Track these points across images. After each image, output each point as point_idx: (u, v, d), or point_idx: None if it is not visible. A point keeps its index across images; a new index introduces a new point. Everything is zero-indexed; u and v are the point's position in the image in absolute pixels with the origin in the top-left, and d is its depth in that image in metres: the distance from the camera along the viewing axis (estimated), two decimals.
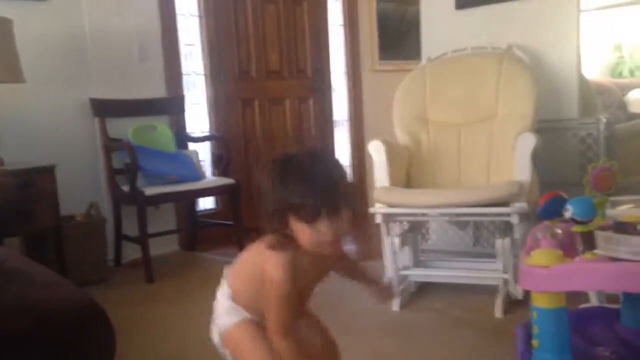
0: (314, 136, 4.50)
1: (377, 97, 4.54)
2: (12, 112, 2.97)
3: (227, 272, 1.43)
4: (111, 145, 3.26)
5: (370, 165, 2.64)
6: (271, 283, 1.25)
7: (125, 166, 3.07)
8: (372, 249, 3.20)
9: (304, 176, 1.18)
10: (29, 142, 3.03)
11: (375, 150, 2.54)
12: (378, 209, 2.39)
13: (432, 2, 3.21)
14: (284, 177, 1.19)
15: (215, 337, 1.43)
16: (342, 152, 4.80)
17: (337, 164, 1.26)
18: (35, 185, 2.70)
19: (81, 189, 3.22)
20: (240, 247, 3.33)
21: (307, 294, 1.43)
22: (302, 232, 1.20)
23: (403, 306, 2.43)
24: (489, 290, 2.42)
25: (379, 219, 2.42)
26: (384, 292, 1.56)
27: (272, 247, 1.24)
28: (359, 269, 1.58)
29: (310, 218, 1.17)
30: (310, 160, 1.21)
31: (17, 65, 2.75)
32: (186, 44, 3.89)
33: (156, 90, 3.58)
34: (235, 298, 1.38)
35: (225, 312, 1.39)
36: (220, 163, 3.60)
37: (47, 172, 2.76)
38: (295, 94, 4.41)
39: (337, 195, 1.18)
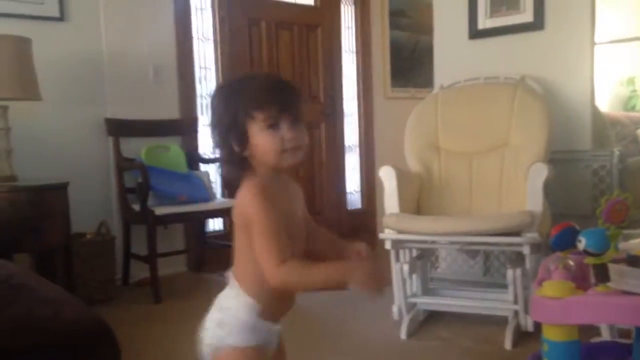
0: (324, 161, 4.51)
1: (389, 123, 4.55)
2: (27, 129, 3.00)
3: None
4: (124, 165, 3.28)
5: (381, 192, 2.63)
6: (251, 217, 1.12)
7: (137, 185, 3.09)
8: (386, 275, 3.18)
9: (244, 88, 1.15)
10: (42, 159, 3.06)
11: (386, 176, 2.54)
12: (387, 235, 2.38)
13: (446, 31, 3.24)
14: (227, 96, 1.16)
15: (205, 347, 1.21)
16: (353, 178, 4.81)
17: (276, 77, 1.23)
18: (46, 202, 2.71)
19: (92, 207, 3.24)
20: None
21: (297, 236, 1.19)
22: (257, 146, 1.13)
23: (410, 334, 2.40)
24: (499, 321, 2.39)
25: (388, 245, 2.40)
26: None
27: (231, 179, 1.17)
28: (329, 237, 1.31)
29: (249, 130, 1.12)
30: (248, 76, 1.20)
31: (34, 83, 2.79)
32: (201, 67, 3.94)
33: (170, 111, 3.62)
34: (241, 285, 1.19)
35: (233, 327, 1.18)
36: (231, 185, 3.61)
37: (59, 190, 2.78)
38: (308, 119, 4.41)
39: (271, 100, 1.12)
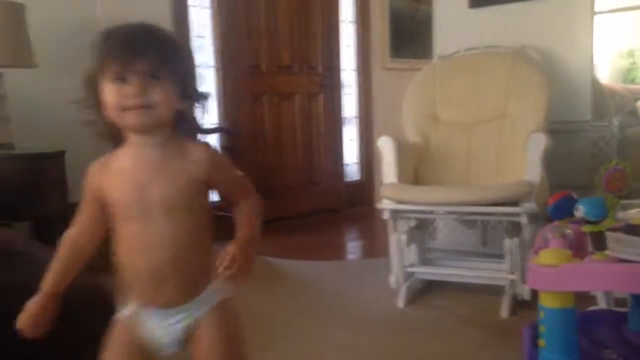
0: (322, 132, 4.50)
1: (388, 94, 4.53)
2: (23, 97, 2.97)
3: None
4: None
5: (379, 163, 2.63)
6: None
7: None
8: (379, 246, 3.19)
9: (103, 38, 1.03)
10: (39, 127, 3.04)
11: (384, 146, 2.53)
12: (385, 205, 2.38)
13: (446, 0, 3.20)
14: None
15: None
16: (351, 149, 4.80)
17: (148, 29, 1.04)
18: (44, 170, 2.70)
19: None
20: None
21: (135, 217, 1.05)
22: (105, 103, 1.01)
23: (408, 303, 2.42)
24: (496, 291, 2.41)
25: (386, 215, 2.40)
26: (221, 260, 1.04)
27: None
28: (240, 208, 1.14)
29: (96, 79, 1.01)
30: (118, 25, 1.04)
31: (29, 50, 2.75)
32: (197, 36, 3.89)
33: None
34: None
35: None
36: (229, 156, 3.59)
37: (56, 158, 2.76)
38: (305, 90, 4.40)
39: (119, 50, 0.99)
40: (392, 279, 2.47)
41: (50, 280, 1.11)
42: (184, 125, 1.07)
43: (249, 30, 4.06)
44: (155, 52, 0.99)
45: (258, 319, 2.30)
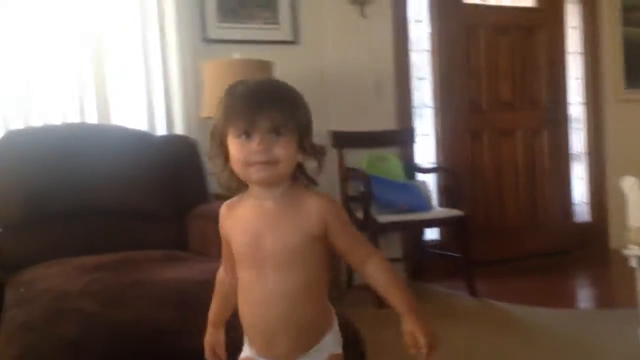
0: (547, 169, 4.27)
1: (622, 128, 4.16)
2: None
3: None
4: (348, 174, 3.46)
5: (614, 204, 2.42)
6: None
7: (360, 194, 3.23)
8: (617, 294, 2.91)
9: (226, 95, 1.06)
10: None
11: (631, 187, 2.31)
12: (634, 252, 2.17)
13: None
14: (218, 103, 1.08)
15: None
16: (579, 188, 4.47)
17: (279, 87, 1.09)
18: None
19: None
20: (468, 279, 3.28)
21: (256, 252, 1.07)
22: (231, 157, 1.05)
23: None
24: None
25: (634, 263, 2.19)
26: (410, 342, 1.08)
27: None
28: (381, 272, 1.12)
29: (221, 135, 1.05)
30: (238, 82, 1.07)
31: None
32: (417, 78, 4.00)
33: (388, 122, 3.73)
34: None
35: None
36: (448, 194, 3.61)
37: None
38: (528, 126, 4.24)
39: (243, 108, 1.01)
40: None
41: (213, 313, 1.22)
42: (302, 177, 1.09)
43: (468, 68, 4.07)
44: (278, 109, 1.02)
45: None
